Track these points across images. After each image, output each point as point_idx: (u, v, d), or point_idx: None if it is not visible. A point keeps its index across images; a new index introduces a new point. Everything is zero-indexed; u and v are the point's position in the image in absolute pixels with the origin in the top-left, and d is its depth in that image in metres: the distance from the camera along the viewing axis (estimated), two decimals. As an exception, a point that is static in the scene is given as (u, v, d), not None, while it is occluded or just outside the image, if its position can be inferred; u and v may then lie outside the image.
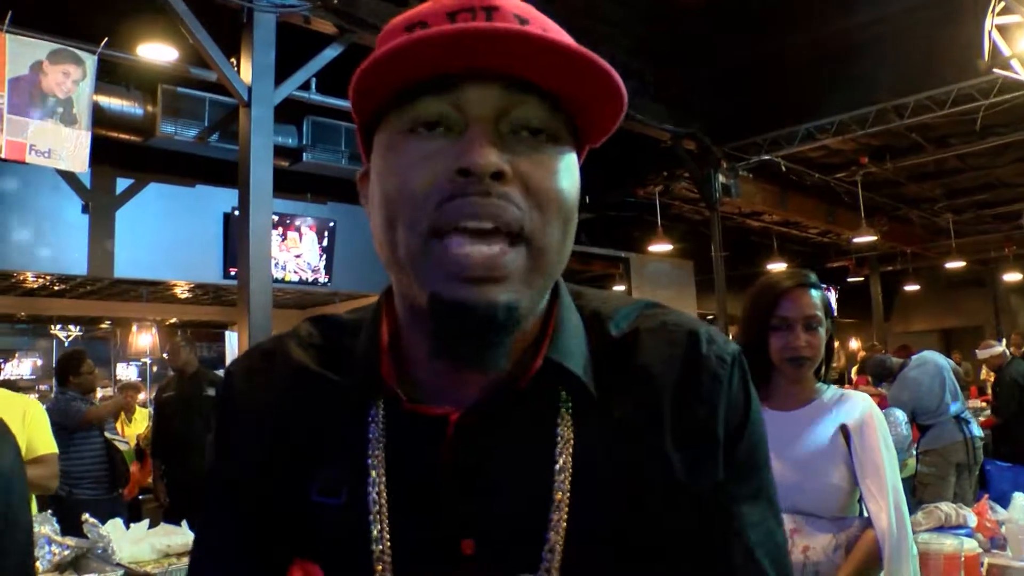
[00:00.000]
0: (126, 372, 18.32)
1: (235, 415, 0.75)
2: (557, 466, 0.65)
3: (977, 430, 6.06)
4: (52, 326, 16.35)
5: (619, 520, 0.66)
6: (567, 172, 0.66)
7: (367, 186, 0.71)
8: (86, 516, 2.72)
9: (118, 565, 2.50)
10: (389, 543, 0.65)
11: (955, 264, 15.33)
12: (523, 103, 0.63)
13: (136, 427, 6.99)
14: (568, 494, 0.65)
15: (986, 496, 3.25)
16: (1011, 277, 17.16)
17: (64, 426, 4.83)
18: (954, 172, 12.23)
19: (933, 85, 8.35)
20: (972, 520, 3.19)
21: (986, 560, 2.80)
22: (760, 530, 0.70)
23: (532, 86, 0.63)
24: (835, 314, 2.07)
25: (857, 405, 1.96)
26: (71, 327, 16.74)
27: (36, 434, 3.14)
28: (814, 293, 1.98)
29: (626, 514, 0.66)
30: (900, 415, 4.69)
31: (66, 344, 17.62)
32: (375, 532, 0.65)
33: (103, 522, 2.70)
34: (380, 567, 0.65)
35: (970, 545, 3.06)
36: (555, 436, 0.67)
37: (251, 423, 0.73)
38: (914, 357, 6.37)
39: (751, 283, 2.12)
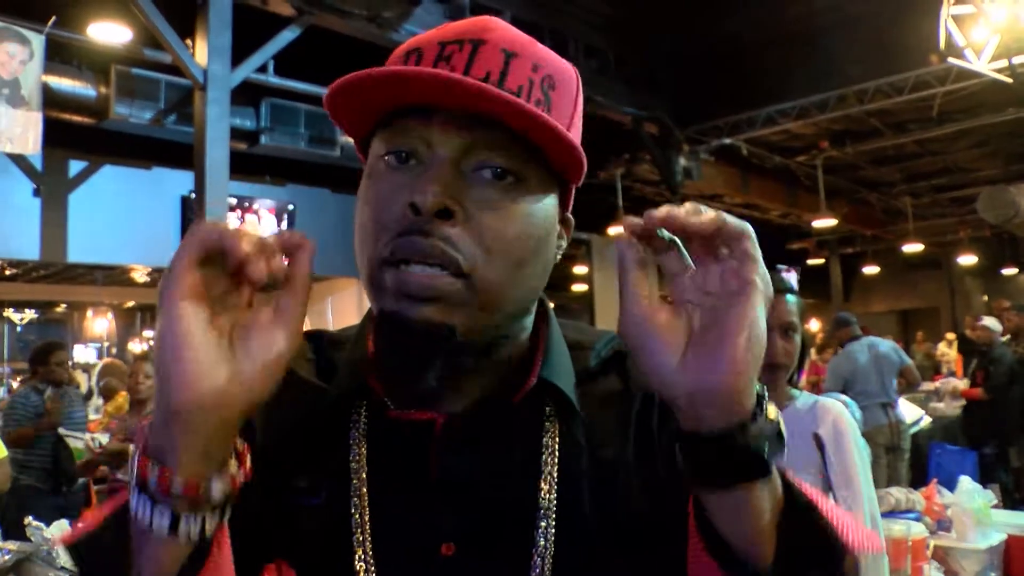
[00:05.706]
0: (84, 354, 18.08)
1: None
2: (544, 474, 0.68)
3: (902, 415, 6.27)
4: (6, 309, 16.06)
5: (604, 523, 0.68)
6: (526, 215, 0.66)
7: None
8: (29, 519, 2.63)
9: (62, 569, 2.42)
10: (371, 543, 0.67)
11: (913, 247, 15.56)
12: (488, 144, 0.64)
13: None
14: (555, 500, 0.67)
15: (935, 480, 3.32)
16: (966, 260, 17.45)
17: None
18: (912, 157, 12.39)
19: (892, 71, 8.43)
20: (920, 504, 3.25)
21: (932, 543, 2.85)
22: None
23: (503, 126, 0.63)
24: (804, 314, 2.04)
25: (830, 413, 1.92)
26: (26, 310, 16.45)
27: None
28: (790, 299, 1.94)
29: (611, 516, 0.68)
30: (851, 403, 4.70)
31: (19, 328, 17.28)
32: (357, 533, 0.67)
33: (49, 519, 2.64)
34: (361, 567, 0.66)
35: (917, 530, 3.11)
36: (541, 447, 0.69)
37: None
38: (863, 339, 6.52)
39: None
